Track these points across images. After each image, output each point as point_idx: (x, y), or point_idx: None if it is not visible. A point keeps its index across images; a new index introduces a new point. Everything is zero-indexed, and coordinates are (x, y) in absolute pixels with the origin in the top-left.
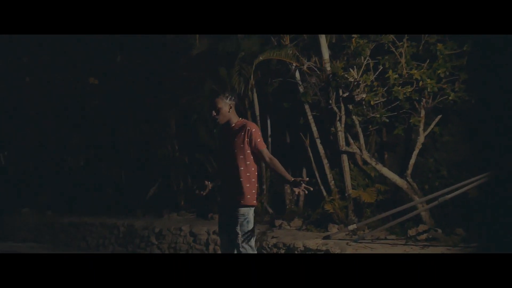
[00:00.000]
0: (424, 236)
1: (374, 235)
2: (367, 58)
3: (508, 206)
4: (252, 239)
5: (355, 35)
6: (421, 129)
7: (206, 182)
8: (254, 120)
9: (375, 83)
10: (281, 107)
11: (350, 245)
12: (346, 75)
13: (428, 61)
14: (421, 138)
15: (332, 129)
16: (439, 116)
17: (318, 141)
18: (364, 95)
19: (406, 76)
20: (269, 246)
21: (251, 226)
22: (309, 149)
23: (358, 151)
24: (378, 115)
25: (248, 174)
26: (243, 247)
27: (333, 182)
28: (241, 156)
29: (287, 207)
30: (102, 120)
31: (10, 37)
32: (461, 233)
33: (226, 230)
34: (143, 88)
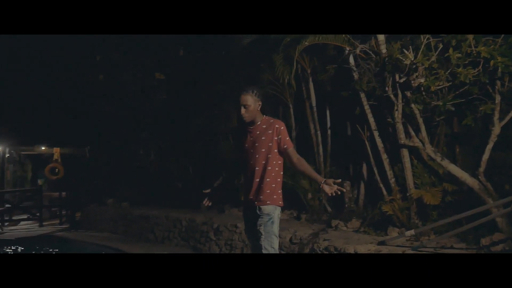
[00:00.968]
0: (499, 247)
1: (440, 243)
2: (427, 37)
3: None
4: (276, 241)
5: None
6: (496, 118)
7: (205, 191)
8: (311, 112)
9: (435, 65)
10: (340, 97)
11: (407, 253)
12: (401, 57)
13: (502, 36)
14: (496, 129)
15: (388, 119)
16: None
17: (376, 133)
18: (422, 80)
19: (475, 54)
20: (320, 249)
21: (275, 227)
22: (366, 142)
23: (420, 144)
24: (441, 103)
25: (273, 173)
26: (265, 248)
27: (393, 180)
28: (268, 155)
29: (346, 205)
30: (170, 114)
31: (84, 37)
32: None
33: (251, 232)
34: (206, 81)
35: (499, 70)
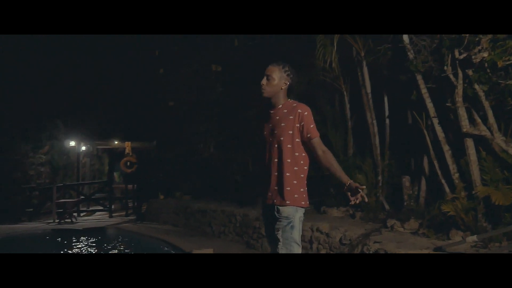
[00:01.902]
0: None
1: None
2: None
3: None
4: (296, 248)
5: None
6: None
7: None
8: (367, 99)
9: (501, 35)
10: (398, 81)
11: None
12: None
13: None
14: None
15: (448, 103)
16: None
17: (435, 121)
18: (485, 54)
19: None
20: (370, 252)
21: (296, 233)
22: (425, 132)
23: (487, 133)
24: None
25: (296, 167)
26: None
27: (457, 175)
28: (288, 146)
29: (405, 203)
30: (227, 106)
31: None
32: None
33: (271, 236)
34: (260, 71)
35: None
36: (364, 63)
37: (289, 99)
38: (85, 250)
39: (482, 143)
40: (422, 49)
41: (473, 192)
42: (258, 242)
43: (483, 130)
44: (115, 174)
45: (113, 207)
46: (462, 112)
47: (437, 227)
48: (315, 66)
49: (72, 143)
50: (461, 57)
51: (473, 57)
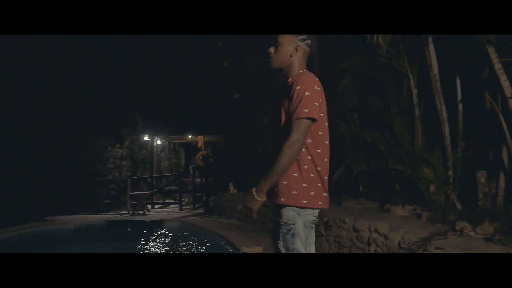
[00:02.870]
0: None
1: None
2: None
3: None
4: None
5: None
6: None
7: None
8: (434, 81)
9: None
10: (471, 59)
11: None
12: None
13: None
14: None
15: None
16: None
17: None
18: None
19: None
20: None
21: (298, 243)
22: (501, 117)
23: None
24: None
25: (297, 157)
26: None
27: None
28: (286, 129)
29: (480, 203)
30: None
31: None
32: None
33: (274, 246)
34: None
35: None
36: (430, 39)
37: (304, 70)
38: (143, 242)
39: None
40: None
41: None
42: (316, 241)
43: None
44: (191, 168)
45: (186, 200)
46: None
47: None
48: (373, 45)
49: (147, 138)
50: None
51: None
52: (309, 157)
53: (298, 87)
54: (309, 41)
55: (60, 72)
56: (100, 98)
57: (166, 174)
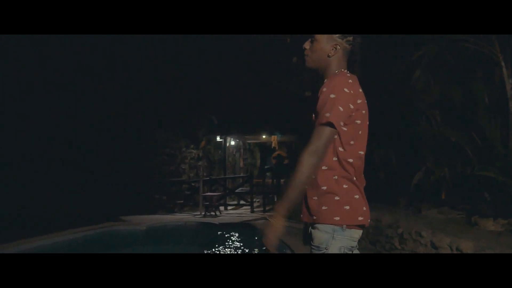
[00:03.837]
0: None
1: None
2: None
3: None
4: None
5: None
6: None
7: None
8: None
9: None
10: None
11: None
12: None
13: None
14: None
15: None
16: None
17: None
18: None
19: None
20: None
21: None
22: None
23: None
24: None
25: (325, 167)
26: None
27: None
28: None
29: None
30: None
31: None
32: None
33: None
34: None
35: None
36: None
37: (341, 70)
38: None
39: None
40: None
41: None
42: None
43: None
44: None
45: (259, 201)
46: None
47: None
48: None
49: (219, 138)
50: None
51: None
52: (341, 166)
53: (325, 89)
54: (350, 38)
55: (137, 73)
56: (176, 99)
57: (238, 175)
